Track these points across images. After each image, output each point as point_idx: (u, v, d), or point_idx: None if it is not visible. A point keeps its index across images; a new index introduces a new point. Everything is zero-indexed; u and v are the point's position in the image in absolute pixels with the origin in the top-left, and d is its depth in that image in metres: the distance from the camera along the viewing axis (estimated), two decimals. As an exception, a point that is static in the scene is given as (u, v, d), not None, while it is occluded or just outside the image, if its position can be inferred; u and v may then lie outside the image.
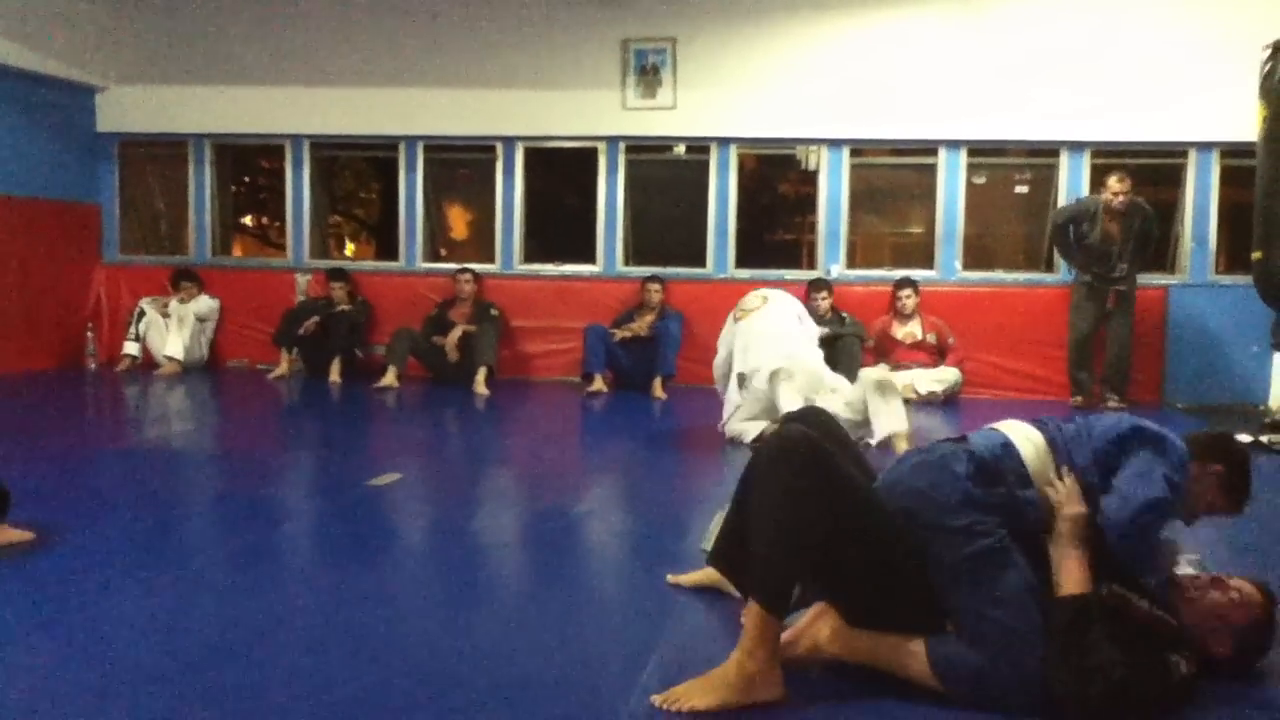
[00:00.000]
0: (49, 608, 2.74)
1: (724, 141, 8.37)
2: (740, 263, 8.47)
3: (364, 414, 6.85)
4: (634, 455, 5.59)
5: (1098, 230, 7.32)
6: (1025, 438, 2.51)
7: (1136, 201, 7.35)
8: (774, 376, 5.22)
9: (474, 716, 2.15)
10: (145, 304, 8.49)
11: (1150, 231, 7.39)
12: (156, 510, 3.93)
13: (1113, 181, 7.35)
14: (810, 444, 2.32)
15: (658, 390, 7.49)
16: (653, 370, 7.58)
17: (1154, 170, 8.38)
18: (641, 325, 7.84)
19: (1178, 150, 7.90)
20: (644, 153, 8.64)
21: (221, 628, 2.61)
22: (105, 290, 8.93)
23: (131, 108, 8.89)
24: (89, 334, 8.56)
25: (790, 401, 5.00)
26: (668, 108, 8.27)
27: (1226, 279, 7.84)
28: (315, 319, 8.06)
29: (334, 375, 7.88)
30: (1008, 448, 2.47)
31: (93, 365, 8.47)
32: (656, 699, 2.19)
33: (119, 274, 9.00)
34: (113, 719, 2.08)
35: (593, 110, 8.37)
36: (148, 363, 8.40)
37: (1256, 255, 5.98)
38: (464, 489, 4.63)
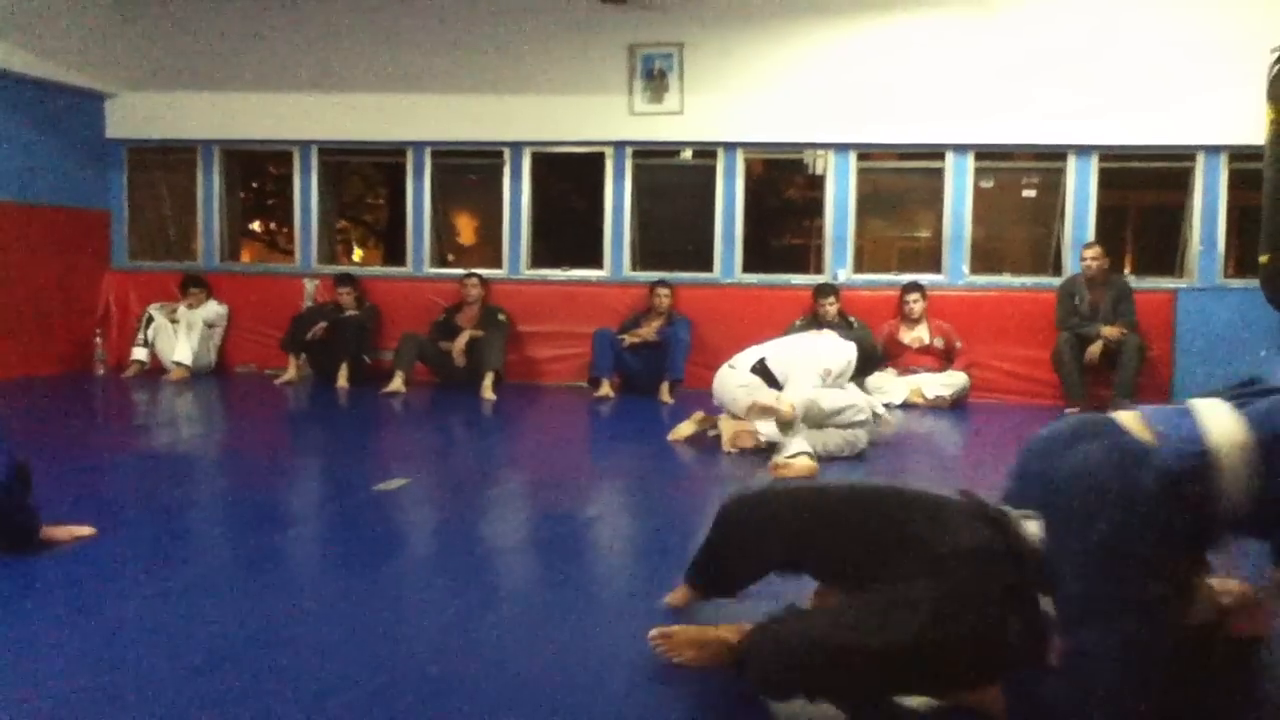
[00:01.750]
0: (57, 612, 2.75)
1: (731, 146, 8.37)
2: (747, 267, 8.47)
3: (371, 419, 6.86)
4: (641, 460, 5.59)
5: (1085, 301, 7.50)
6: (1228, 441, 1.93)
7: (1116, 276, 7.55)
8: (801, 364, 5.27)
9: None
10: (154, 310, 8.51)
11: (1128, 304, 7.47)
12: (164, 515, 3.94)
13: (1083, 250, 7.59)
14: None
15: (666, 395, 7.48)
16: (660, 375, 7.58)
17: (1162, 174, 8.36)
18: (649, 330, 7.83)
19: (1186, 154, 7.88)
20: (651, 157, 8.65)
21: (228, 632, 2.62)
22: (114, 296, 8.97)
23: (140, 114, 8.93)
24: (98, 339, 8.59)
25: (800, 388, 5.11)
26: (675, 112, 8.28)
27: (1235, 282, 7.82)
28: (323, 324, 8.07)
29: (342, 380, 7.89)
30: (1205, 460, 1.92)
31: (101, 371, 8.50)
32: (655, 633, 2.45)
33: (128, 280, 9.03)
34: (120, 723, 2.09)
35: (600, 115, 8.38)
36: (156, 368, 8.43)
37: (1264, 258, 5.96)
38: (471, 494, 4.63)
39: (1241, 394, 2.02)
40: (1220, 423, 1.94)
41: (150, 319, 8.48)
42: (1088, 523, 1.93)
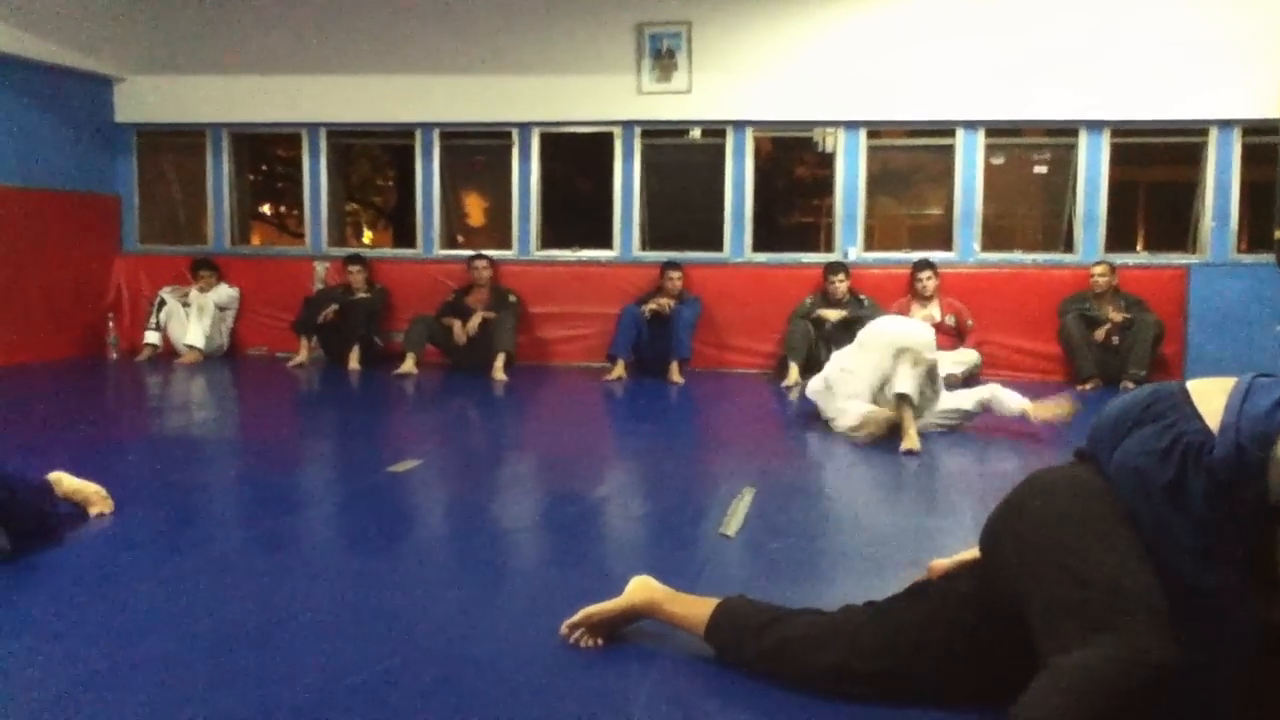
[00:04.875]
0: (71, 593, 2.77)
1: (740, 125, 8.34)
2: (757, 246, 8.46)
3: (383, 401, 6.88)
4: (653, 439, 5.59)
5: (1094, 311, 7.56)
6: None
7: (1126, 293, 7.59)
8: (900, 354, 5.12)
9: (494, 700, 2.16)
10: (165, 293, 8.54)
11: (1139, 309, 7.48)
12: (178, 497, 3.96)
13: (1092, 267, 7.67)
14: None
15: (675, 374, 7.49)
16: (669, 354, 7.58)
17: (1174, 149, 8.31)
18: (667, 302, 7.79)
19: (1198, 128, 7.83)
20: (660, 137, 8.63)
21: (242, 613, 2.64)
22: (125, 280, 9.00)
23: (149, 98, 8.94)
24: (109, 324, 8.62)
25: (904, 382, 5.01)
26: (683, 91, 8.25)
27: (1248, 258, 7.78)
28: (334, 306, 8.09)
29: (353, 362, 7.92)
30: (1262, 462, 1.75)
31: (114, 355, 8.54)
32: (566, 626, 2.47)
33: (139, 264, 9.07)
34: (134, 703, 2.10)
35: (608, 95, 8.36)
36: (168, 352, 8.47)
37: (1278, 234, 5.93)
38: (483, 475, 4.64)
39: None
40: None
41: (162, 303, 8.51)
42: (1142, 507, 1.83)
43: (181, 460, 4.79)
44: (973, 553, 2.17)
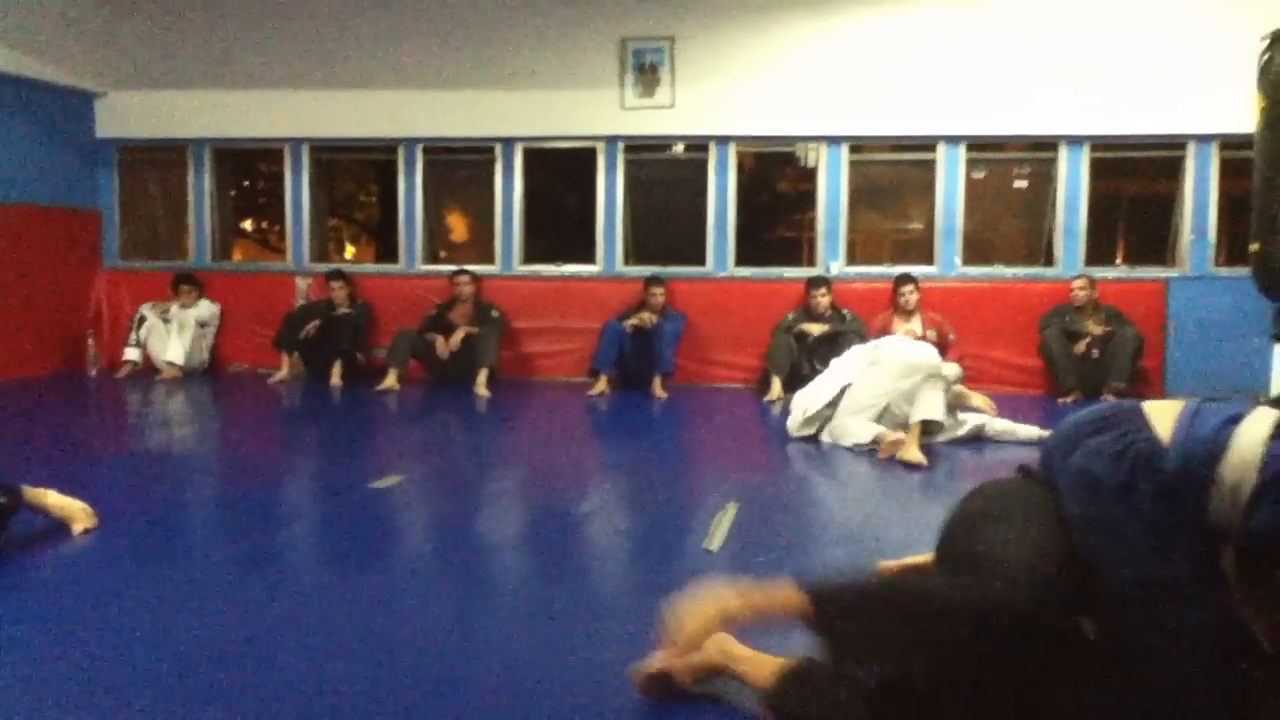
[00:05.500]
0: (51, 612, 2.75)
1: (723, 139, 8.37)
2: (740, 260, 8.48)
3: (365, 416, 6.85)
4: (636, 455, 5.59)
5: (1076, 324, 7.61)
6: (1240, 465, 1.84)
7: (1106, 306, 7.66)
8: (930, 376, 5.25)
9: (479, 717, 2.15)
10: (146, 309, 8.50)
11: (1119, 321, 7.53)
12: (158, 515, 3.93)
13: (1072, 281, 7.77)
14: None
15: (658, 389, 7.49)
16: (652, 369, 7.58)
17: (1153, 163, 8.38)
18: (649, 317, 7.80)
19: (1177, 143, 7.90)
20: (643, 152, 8.64)
21: (224, 631, 2.62)
22: (106, 296, 8.96)
23: (130, 113, 8.92)
24: (90, 340, 8.57)
25: (935, 408, 5.15)
26: (666, 106, 8.28)
27: (1226, 271, 7.85)
28: (316, 322, 8.07)
29: (335, 378, 7.89)
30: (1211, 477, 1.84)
31: (94, 371, 8.48)
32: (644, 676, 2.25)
33: (119, 279, 9.02)
34: (119, 718, 2.09)
35: (591, 110, 8.37)
36: (149, 368, 8.42)
37: (1254, 247, 5.98)
38: (466, 490, 4.63)
39: None
40: (1248, 446, 1.84)
41: (142, 319, 8.47)
42: (1092, 512, 1.93)
43: (162, 477, 4.75)
44: (924, 556, 2.25)
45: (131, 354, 8.42)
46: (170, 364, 8.28)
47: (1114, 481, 1.91)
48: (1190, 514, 1.86)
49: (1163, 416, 1.96)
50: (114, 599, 2.87)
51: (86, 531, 3.47)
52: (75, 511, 3.49)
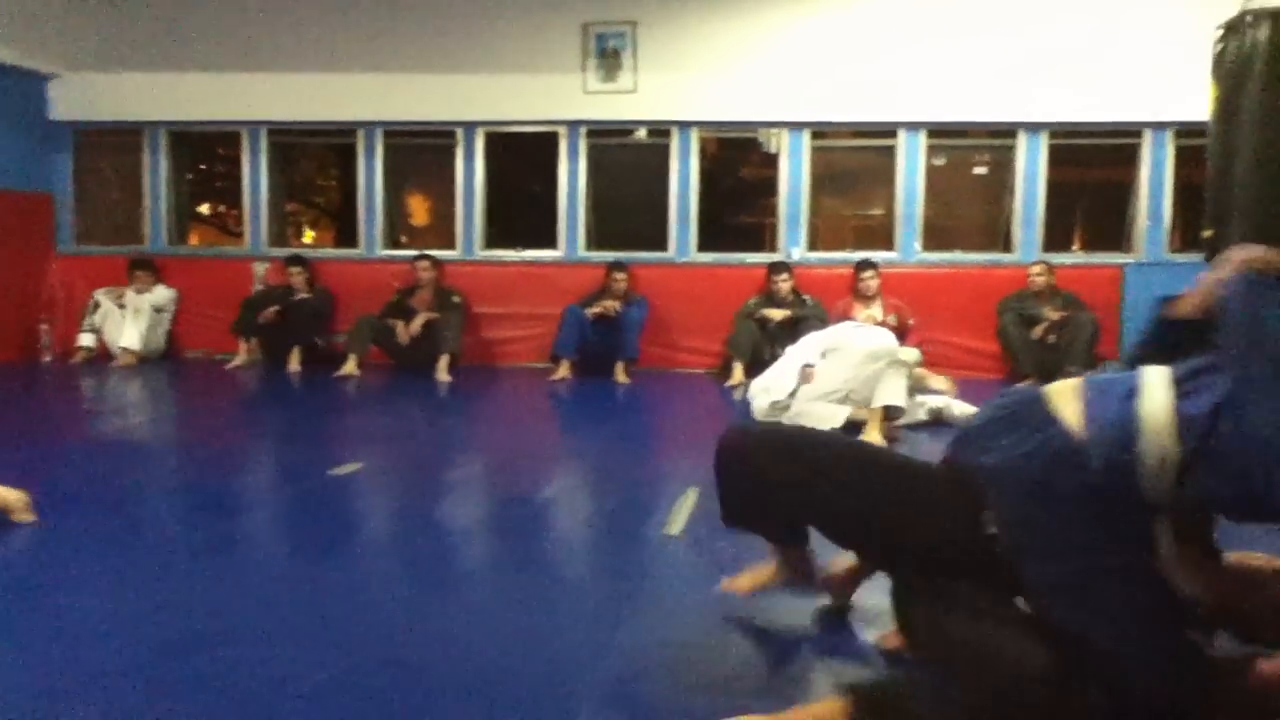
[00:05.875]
0: (9, 603, 2.71)
1: (685, 125, 8.36)
2: (703, 246, 8.49)
3: (325, 403, 6.80)
4: (598, 440, 5.59)
5: (1034, 309, 7.65)
6: (1158, 440, 1.87)
7: (1064, 292, 7.72)
8: (890, 364, 5.29)
9: (442, 704, 2.15)
10: (100, 295, 8.37)
11: (1076, 306, 7.58)
12: (116, 504, 3.88)
13: (1030, 267, 7.82)
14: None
15: (621, 375, 7.50)
16: (616, 354, 7.59)
17: (1110, 151, 8.47)
18: (613, 305, 7.79)
19: (1133, 130, 7.99)
20: (605, 137, 8.62)
21: (183, 621, 2.59)
22: (60, 281, 8.81)
23: (85, 95, 8.76)
24: (43, 326, 8.43)
25: (897, 393, 5.21)
26: (628, 91, 8.26)
27: (1181, 257, 7.95)
28: (275, 308, 7.99)
29: (294, 364, 7.82)
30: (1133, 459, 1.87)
31: (48, 358, 8.36)
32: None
33: (74, 265, 8.88)
34: (79, 714, 2.06)
35: (553, 94, 8.34)
36: (104, 354, 8.30)
37: (1207, 233, 6.05)
38: (427, 477, 4.61)
39: (1194, 373, 1.94)
40: (1158, 418, 1.88)
41: (97, 304, 8.34)
42: (1013, 514, 1.96)
43: (117, 465, 4.69)
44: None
45: (86, 340, 8.29)
46: (126, 350, 8.16)
47: (1031, 480, 1.93)
48: (1124, 498, 1.87)
49: (1065, 402, 1.99)
50: (66, 592, 2.84)
51: (29, 523, 3.39)
52: (13, 502, 3.41)
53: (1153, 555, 1.91)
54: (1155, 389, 1.92)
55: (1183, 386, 1.92)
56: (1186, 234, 8.33)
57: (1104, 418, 1.92)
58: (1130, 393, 1.93)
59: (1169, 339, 2.16)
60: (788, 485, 2.24)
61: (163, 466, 4.83)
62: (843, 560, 2.58)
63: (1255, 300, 1.92)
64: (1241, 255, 2.01)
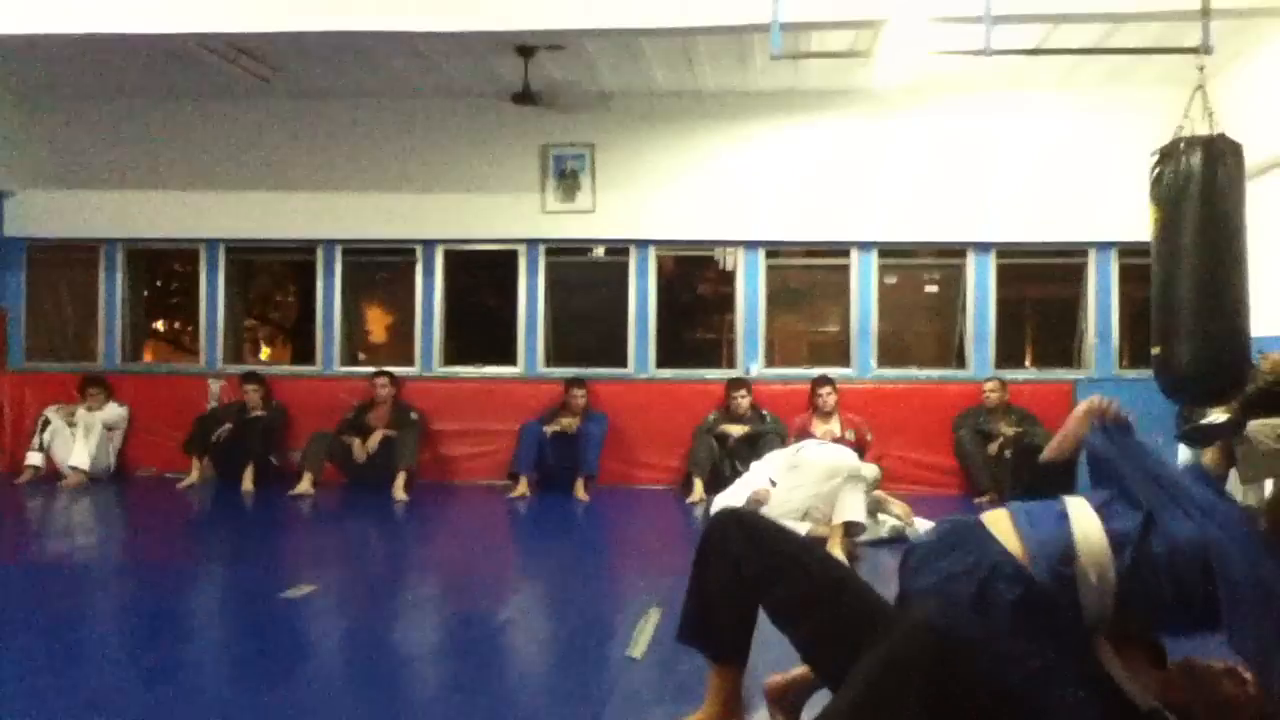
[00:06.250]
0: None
1: (642, 243, 8.48)
2: (661, 362, 8.53)
3: (278, 523, 6.68)
4: (558, 559, 5.52)
5: (989, 425, 7.72)
6: (1094, 560, 2.09)
7: (1017, 407, 7.80)
8: (848, 480, 5.29)
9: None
10: (50, 412, 8.22)
11: (1030, 422, 7.64)
12: (57, 629, 3.75)
13: (984, 384, 7.92)
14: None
15: (580, 491, 7.44)
16: (575, 471, 7.54)
17: (1057, 269, 8.69)
18: (571, 422, 7.78)
19: (1078, 249, 8.22)
20: (564, 255, 8.71)
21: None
22: (9, 398, 8.65)
23: (40, 212, 8.74)
24: (-10, 444, 8.25)
25: (857, 509, 5.21)
26: (587, 211, 8.38)
27: (1131, 373, 8.09)
28: (228, 425, 7.89)
29: (247, 483, 7.67)
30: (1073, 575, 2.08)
31: (-7, 477, 8.16)
32: None
33: (25, 381, 8.73)
34: None
35: (513, 213, 8.44)
36: (52, 473, 8.10)
37: (1156, 350, 6.18)
38: (382, 599, 4.51)
39: (1106, 502, 2.19)
40: (1091, 543, 2.09)
41: (46, 422, 8.18)
42: (954, 622, 2.02)
43: (60, 589, 4.55)
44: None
45: (34, 459, 8.10)
46: (75, 469, 7.98)
47: (967, 594, 2.05)
48: (1065, 609, 2.05)
49: (1000, 526, 2.19)
50: (6, 717, 2.72)
51: None
52: None
53: (1095, 663, 2.07)
54: (1081, 510, 2.15)
55: (1102, 512, 2.15)
56: (1136, 349, 8.50)
57: (1040, 537, 2.11)
58: (1061, 516, 2.14)
59: (1046, 477, 2.43)
60: (765, 565, 2.33)
61: (108, 589, 4.70)
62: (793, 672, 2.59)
63: (1116, 440, 2.31)
64: (1085, 406, 2.38)
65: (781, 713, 2.62)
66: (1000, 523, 2.19)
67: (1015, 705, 2.00)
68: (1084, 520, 2.13)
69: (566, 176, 8.39)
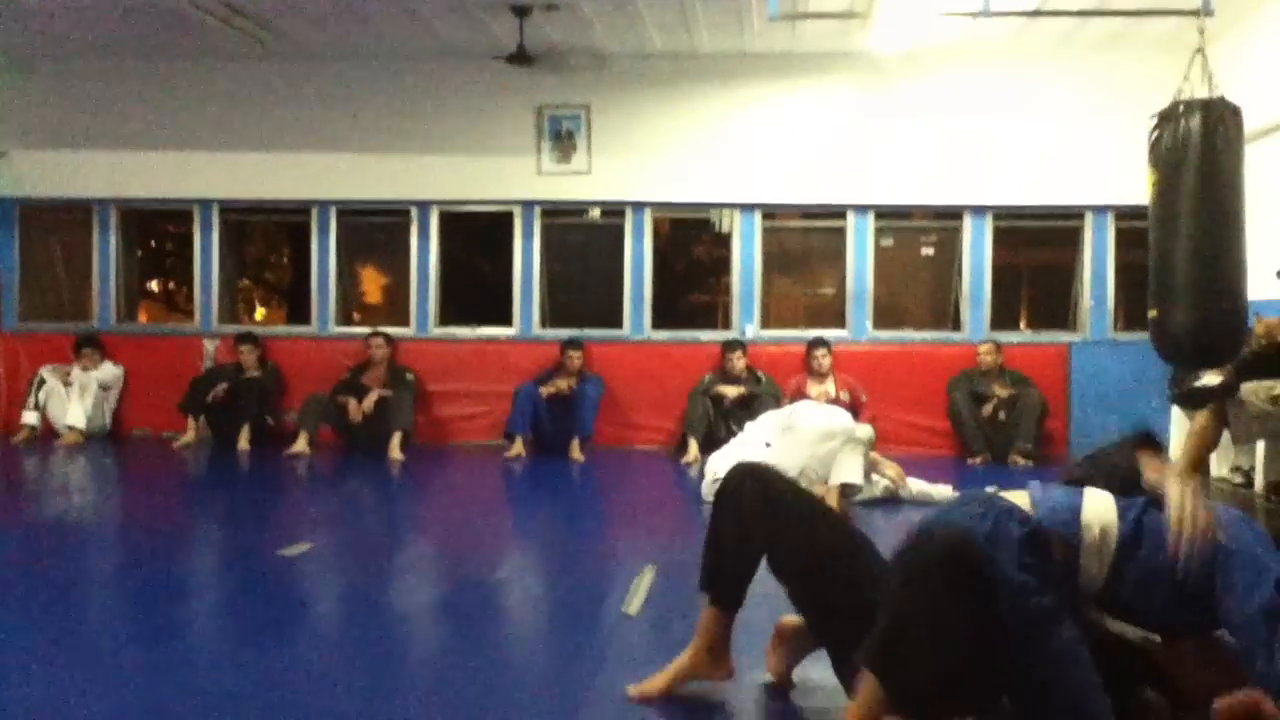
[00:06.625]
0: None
1: (638, 205, 8.45)
2: (657, 324, 8.53)
3: (274, 482, 6.70)
4: (553, 519, 5.55)
5: (983, 388, 7.74)
6: (1098, 523, 2.23)
7: (1011, 370, 7.82)
8: (849, 441, 5.32)
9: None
10: (45, 372, 8.22)
11: (1030, 401, 7.63)
12: (55, 589, 3.77)
13: (979, 346, 7.93)
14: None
15: (575, 453, 7.46)
16: (571, 432, 7.56)
17: (1053, 232, 8.68)
18: (565, 383, 7.79)
19: (1075, 213, 8.20)
20: (559, 217, 8.69)
21: (126, 709, 2.51)
22: (3, 359, 8.64)
23: (33, 172, 8.68)
24: (-15, 404, 8.25)
25: (854, 472, 5.27)
26: (582, 172, 8.35)
27: (1125, 336, 8.12)
28: (224, 385, 7.89)
29: (243, 443, 7.69)
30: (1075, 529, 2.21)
31: (-11, 437, 8.17)
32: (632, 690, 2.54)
33: (18, 342, 8.71)
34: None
35: (508, 175, 8.40)
36: (48, 433, 8.11)
37: (1153, 313, 6.19)
38: (378, 558, 4.53)
39: (1135, 503, 2.27)
40: (1099, 511, 2.23)
41: (42, 381, 8.18)
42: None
43: (58, 549, 4.57)
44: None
45: (29, 418, 8.11)
46: (71, 428, 8.00)
47: (981, 531, 2.14)
48: (1063, 565, 2.17)
49: (1016, 497, 2.30)
50: (5, 681, 2.74)
51: None
52: None
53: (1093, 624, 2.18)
54: (1098, 492, 2.28)
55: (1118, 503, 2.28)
56: (1130, 313, 8.52)
57: (1052, 502, 2.26)
58: (1076, 493, 2.29)
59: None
60: (774, 522, 2.48)
61: (105, 549, 4.72)
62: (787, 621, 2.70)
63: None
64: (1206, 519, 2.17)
65: (781, 653, 2.71)
66: (1018, 495, 2.31)
67: (1018, 647, 2.06)
68: (1099, 494, 2.27)
69: (562, 138, 8.35)
